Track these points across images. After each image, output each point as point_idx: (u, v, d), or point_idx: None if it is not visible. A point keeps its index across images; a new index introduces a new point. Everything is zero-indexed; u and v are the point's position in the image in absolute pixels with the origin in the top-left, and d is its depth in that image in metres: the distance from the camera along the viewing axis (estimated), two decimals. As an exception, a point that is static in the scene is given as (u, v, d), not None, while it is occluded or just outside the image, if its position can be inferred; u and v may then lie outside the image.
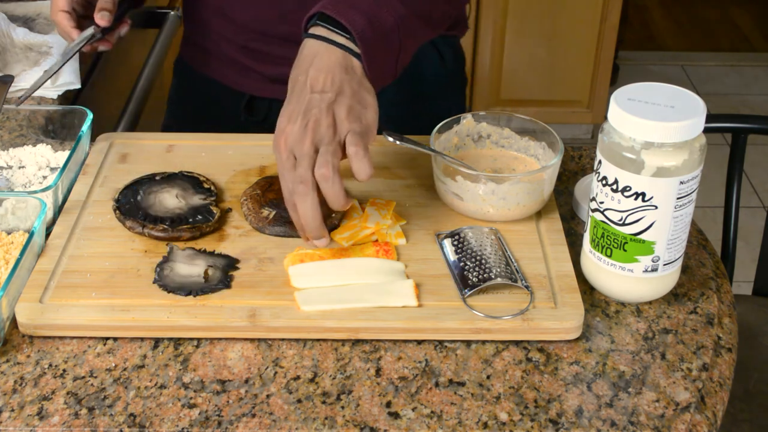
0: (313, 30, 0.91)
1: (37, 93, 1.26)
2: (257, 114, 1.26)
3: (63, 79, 1.28)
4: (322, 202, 0.86)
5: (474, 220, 0.95)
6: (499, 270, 0.87)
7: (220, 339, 0.84)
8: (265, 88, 1.23)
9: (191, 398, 0.78)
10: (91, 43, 1.10)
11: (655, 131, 0.79)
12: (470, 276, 0.87)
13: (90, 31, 1.09)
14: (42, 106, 1.20)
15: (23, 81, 1.26)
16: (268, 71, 1.20)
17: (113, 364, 0.81)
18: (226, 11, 1.19)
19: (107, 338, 0.84)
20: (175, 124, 1.37)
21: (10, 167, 1.06)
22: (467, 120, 1.02)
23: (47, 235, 0.93)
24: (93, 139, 1.09)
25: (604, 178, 0.83)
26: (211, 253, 0.91)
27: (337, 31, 0.90)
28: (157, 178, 1.00)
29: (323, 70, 0.88)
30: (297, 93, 0.88)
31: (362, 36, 0.89)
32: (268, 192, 0.97)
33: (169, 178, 1.00)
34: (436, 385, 0.80)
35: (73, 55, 1.11)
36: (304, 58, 0.90)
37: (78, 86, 1.28)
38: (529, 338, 0.84)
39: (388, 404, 0.78)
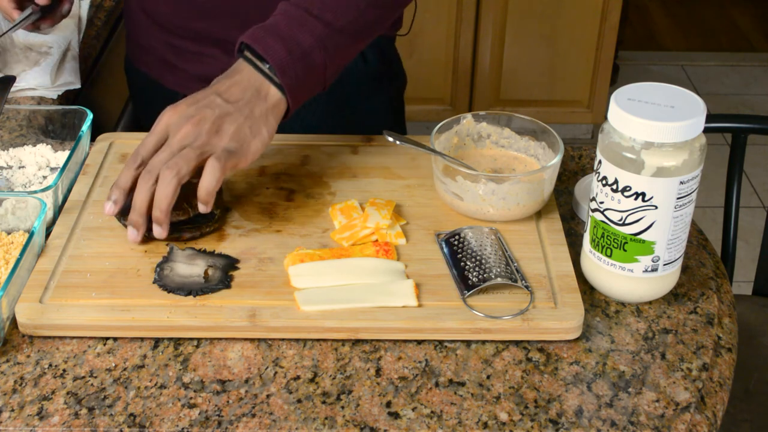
0: (243, 54, 0.94)
1: (37, 93, 1.26)
2: None
3: (63, 79, 1.28)
4: (190, 194, 0.90)
5: (474, 220, 0.95)
6: (499, 270, 0.87)
7: (220, 339, 0.84)
8: (193, 86, 1.21)
9: (191, 398, 0.78)
10: (33, 22, 1.17)
11: (655, 131, 0.79)
12: (470, 276, 0.87)
13: (29, 10, 1.15)
14: (42, 106, 1.20)
15: (23, 81, 1.26)
16: (192, 69, 1.20)
17: (113, 364, 0.81)
18: (145, 5, 1.20)
19: (107, 338, 0.84)
20: (133, 124, 1.40)
21: (10, 167, 1.06)
22: (467, 120, 1.02)
23: (47, 235, 0.93)
24: (93, 139, 1.09)
25: (604, 178, 0.83)
26: (211, 253, 0.91)
27: (259, 60, 0.92)
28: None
29: (239, 85, 0.91)
30: (209, 90, 0.92)
31: (281, 65, 0.91)
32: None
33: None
34: (436, 385, 0.80)
35: (8, 32, 1.17)
36: (230, 71, 0.94)
37: (78, 86, 1.28)
38: (529, 338, 0.84)
39: (388, 404, 0.78)
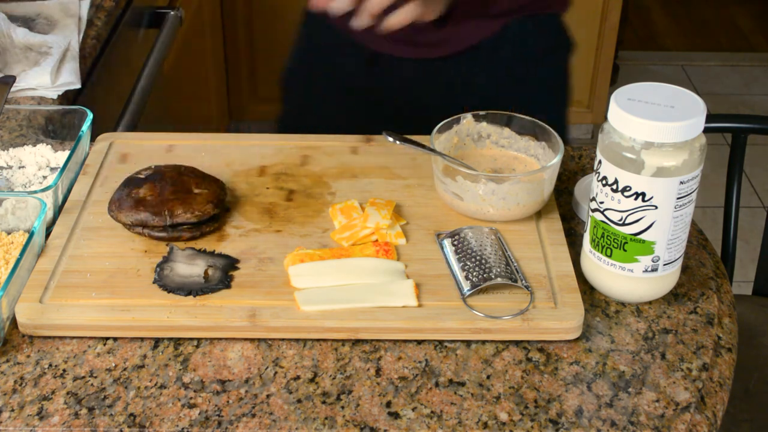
0: None
1: (37, 93, 1.26)
2: (378, 70, 1.28)
3: (63, 78, 1.28)
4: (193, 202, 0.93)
5: (474, 220, 0.95)
6: (499, 270, 0.87)
7: (220, 339, 0.84)
8: (386, 45, 1.24)
9: (191, 398, 0.78)
10: None
11: (655, 131, 0.79)
12: (470, 276, 0.87)
13: None
14: (42, 106, 1.20)
15: (23, 82, 1.26)
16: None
17: (113, 364, 0.81)
18: None
19: (107, 338, 0.84)
20: (298, 69, 1.40)
21: (10, 167, 1.06)
22: (467, 120, 1.02)
23: (47, 235, 0.93)
24: (93, 139, 1.09)
25: (604, 178, 0.83)
26: (211, 253, 0.91)
27: None
28: (157, 178, 1.00)
29: None
30: None
31: None
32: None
33: (169, 178, 0.99)
34: (436, 385, 0.80)
35: None
36: None
37: (78, 86, 1.28)
38: (529, 338, 0.84)
39: (388, 404, 0.78)
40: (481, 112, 1.03)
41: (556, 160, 0.95)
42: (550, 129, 0.99)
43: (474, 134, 1.03)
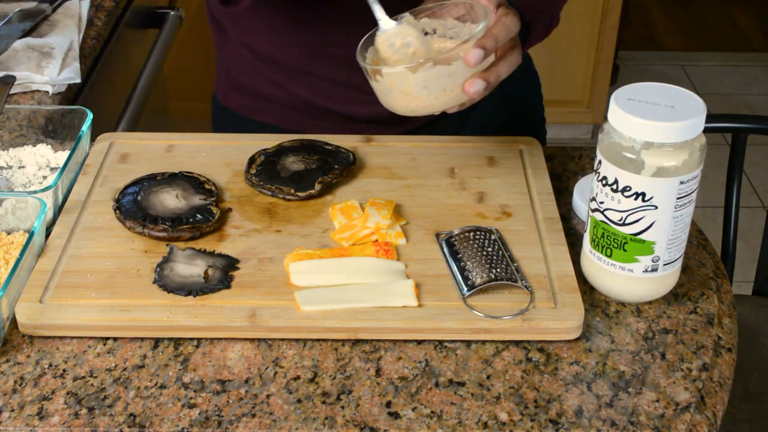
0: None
1: (37, 86, 1.26)
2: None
3: (64, 75, 1.28)
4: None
5: (471, 220, 0.95)
6: (499, 270, 0.87)
7: (220, 339, 0.84)
8: (282, 115, 1.21)
9: (191, 398, 0.78)
10: None
11: (655, 131, 0.79)
12: (470, 276, 0.87)
13: None
14: (42, 106, 1.20)
15: (26, 82, 1.26)
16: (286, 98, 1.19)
17: (113, 364, 0.81)
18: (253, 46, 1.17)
19: (107, 338, 0.84)
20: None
21: (10, 167, 1.06)
22: (407, 19, 0.94)
23: (47, 235, 0.93)
24: (93, 139, 1.09)
25: (604, 178, 0.83)
26: (211, 253, 0.91)
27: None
28: (158, 178, 1.00)
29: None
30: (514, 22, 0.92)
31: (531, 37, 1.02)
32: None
33: (170, 179, 1.00)
34: (436, 385, 0.80)
35: None
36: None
37: (78, 81, 1.28)
38: (529, 338, 0.84)
39: (388, 404, 0.78)
40: (417, 8, 0.95)
41: (478, 30, 0.87)
42: (475, 3, 0.92)
43: (422, 28, 0.95)
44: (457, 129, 1.23)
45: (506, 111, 1.25)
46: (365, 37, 0.93)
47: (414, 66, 0.86)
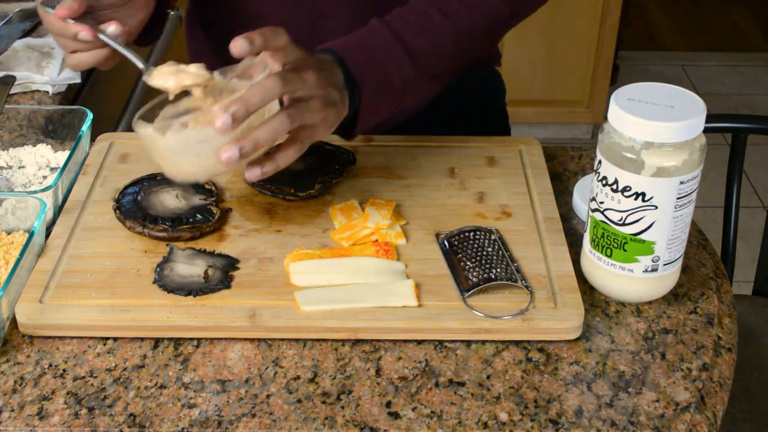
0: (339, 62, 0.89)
1: (37, 86, 1.26)
2: None
3: (64, 74, 1.28)
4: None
5: (471, 220, 0.95)
6: (499, 270, 0.87)
7: (220, 339, 0.84)
8: None
9: (191, 398, 0.78)
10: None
11: (655, 131, 0.79)
12: (470, 276, 0.87)
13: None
14: (42, 106, 1.20)
15: (26, 81, 1.26)
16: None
17: (113, 364, 0.81)
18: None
19: (107, 338, 0.84)
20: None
21: (10, 167, 1.06)
22: (215, 79, 0.85)
23: (47, 235, 0.93)
24: (93, 139, 1.09)
25: (604, 178, 0.83)
26: (211, 253, 0.91)
27: (349, 80, 0.88)
28: (158, 178, 1.00)
29: (336, 89, 0.86)
30: (324, 79, 0.84)
31: (367, 92, 0.89)
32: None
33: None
34: (436, 385, 0.80)
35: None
36: (328, 67, 0.87)
37: (78, 81, 1.28)
38: (529, 338, 0.84)
39: (388, 404, 0.78)
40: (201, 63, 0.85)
41: (236, 93, 0.78)
42: (263, 64, 0.82)
43: (233, 89, 0.85)
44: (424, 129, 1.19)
45: (469, 111, 1.23)
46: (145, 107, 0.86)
47: (161, 128, 0.79)
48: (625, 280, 0.86)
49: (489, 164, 1.05)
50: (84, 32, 0.87)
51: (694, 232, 0.99)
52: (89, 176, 1.03)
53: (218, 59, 1.17)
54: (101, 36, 0.88)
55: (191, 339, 0.84)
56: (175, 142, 0.79)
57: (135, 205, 0.95)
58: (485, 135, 1.14)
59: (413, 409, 0.77)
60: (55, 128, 1.09)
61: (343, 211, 0.96)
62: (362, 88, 0.89)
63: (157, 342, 0.84)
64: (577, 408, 0.78)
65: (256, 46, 0.80)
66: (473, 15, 0.97)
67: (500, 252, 0.90)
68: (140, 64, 0.87)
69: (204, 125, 0.78)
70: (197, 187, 0.99)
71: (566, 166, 1.09)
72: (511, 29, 1.04)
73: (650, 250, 0.84)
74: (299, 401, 0.78)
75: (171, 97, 0.83)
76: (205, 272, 0.88)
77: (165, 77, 0.84)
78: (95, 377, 0.80)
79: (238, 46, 0.78)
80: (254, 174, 0.81)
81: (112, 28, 0.88)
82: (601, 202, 0.84)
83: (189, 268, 0.89)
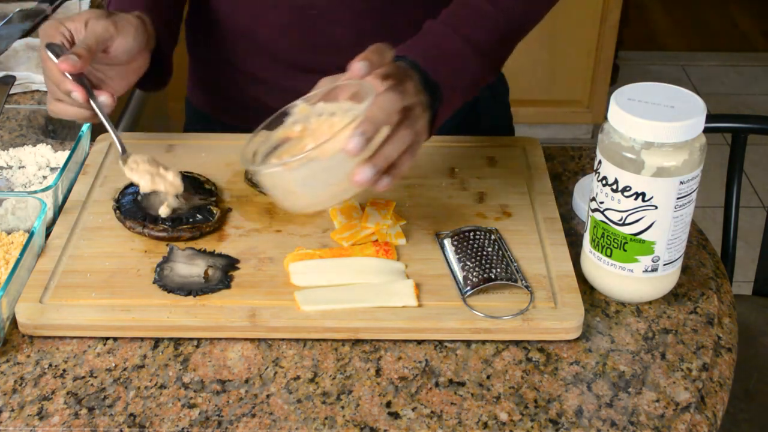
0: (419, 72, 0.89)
1: (37, 87, 1.26)
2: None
3: None
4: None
5: (471, 220, 0.95)
6: (499, 270, 0.87)
7: (220, 339, 0.84)
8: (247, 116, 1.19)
9: (191, 398, 0.78)
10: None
11: (655, 131, 0.79)
12: (470, 276, 0.87)
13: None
14: (42, 106, 1.20)
15: (26, 81, 1.26)
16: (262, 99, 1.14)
17: (113, 364, 0.81)
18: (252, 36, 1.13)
19: (107, 338, 0.84)
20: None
21: (10, 167, 1.06)
22: (300, 107, 0.87)
23: (47, 235, 0.93)
24: (93, 139, 1.09)
25: (604, 178, 0.83)
26: (211, 253, 0.91)
27: (427, 86, 0.88)
28: (157, 178, 1.00)
29: (421, 106, 0.86)
30: (415, 99, 0.85)
31: (445, 94, 0.90)
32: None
33: (169, 178, 1.00)
34: (436, 385, 0.80)
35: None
36: (409, 82, 0.86)
37: None
38: (529, 338, 0.84)
39: (388, 404, 0.78)
40: (311, 93, 0.87)
41: (358, 111, 0.79)
42: (366, 84, 0.82)
43: (319, 113, 0.86)
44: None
45: (473, 112, 1.23)
46: (256, 130, 0.87)
47: (289, 163, 0.79)
48: (625, 280, 0.86)
49: (489, 164, 1.05)
50: (77, 93, 0.91)
51: (694, 232, 0.99)
52: (89, 176, 1.03)
53: (219, 64, 1.17)
54: (92, 103, 0.91)
55: (191, 339, 0.84)
56: (304, 173, 0.79)
57: (135, 205, 0.95)
58: (489, 135, 1.14)
59: (413, 409, 0.77)
60: (55, 128, 1.09)
61: (343, 211, 0.96)
62: (442, 92, 0.90)
63: (157, 342, 0.84)
64: (577, 408, 0.78)
65: (374, 65, 0.82)
66: (521, 2, 0.99)
67: (500, 252, 0.90)
68: (119, 147, 0.93)
69: (332, 152, 0.77)
70: (197, 187, 0.99)
71: (566, 166, 1.09)
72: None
73: (650, 250, 0.84)
74: (299, 401, 0.78)
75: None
76: (205, 272, 0.88)
77: (141, 174, 0.92)
78: (95, 377, 0.80)
79: (358, 68, 0.80)
80: (384, 184, 0.82)
81: (103, 98, 0.92)
82: (601, 202, 0.84)
83: (189, 268, 0.89)
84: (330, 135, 0.78)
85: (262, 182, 0.84)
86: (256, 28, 1.11)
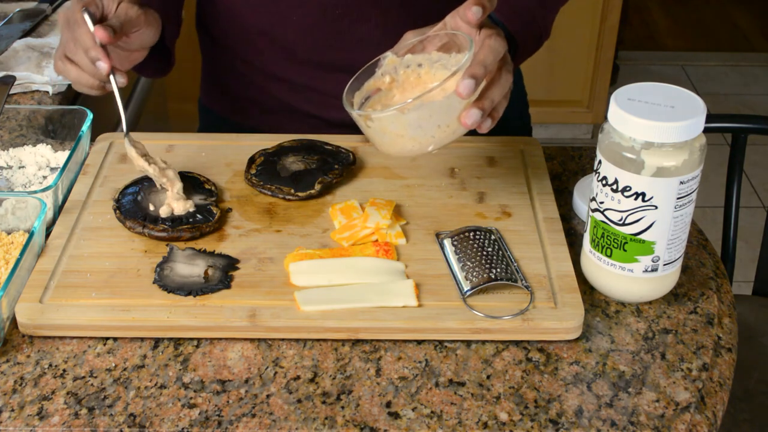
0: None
1: (37, 86, 1.26)
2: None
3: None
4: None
5: (471, 220, 0.95)
6: (499, 270, 0.87)
7: (220, 339, 0.84)
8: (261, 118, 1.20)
9: (191, 398, 0.78)
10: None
11: (655, 131, 0.79)
12: (470, 276, 0.87)
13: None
14: (42, 106, 1.20)
15: (26, 81, 1.26)
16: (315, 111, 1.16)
17: (113, 364, 0.81)
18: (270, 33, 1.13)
19: (107, 338, 0.84)
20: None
21: (10, 167, 1.06)
22: (389, 58, 0.91)
23: (47, 235, 0.93)
24: (93, 139, 1.09)
25: (604, 178, 0.83)
26: (211, 253, 0.91)
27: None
28: (157, 178, 1.00)
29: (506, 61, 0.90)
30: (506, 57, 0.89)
31: (521, 44, 0.99)
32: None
33: (169, 178, 1.00)
34: (436, 385, 0.80)
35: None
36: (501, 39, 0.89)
37: None
38: (529, 338, 0.84)
39: (388, 404, 0.78)
40: (399, 47, 0.92)
41: (464, 61, 0.83)
42: (457, 32, 0.88)
43: (406, 65, 0.92)
44: None
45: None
46: (350, 81, 0.89)
47: (403, 107, 0.82)
48: (625, 280, 0.86)
49: (489, 164, 1.05)
50: (103, 63, 0.92)
51: (694, 232, 0.99)
52: (89, 176, 1.03)
53: (235, 64, 1.17)
54: (111, 78, 0.94)
55: (191, 339, 0.84)
56: (417, 115, 0.83)
57: (135, 205, 0.95)
58: (510, 135, 1.15)
59: (413, 409, 0.77)
60: (55, 128, 1.09)
61: (343, 211, 0.96)
62: (518, 44, 0.99)
63: (157, 342, 0.84)
64: (577, 408, 0.78)
65: (487, 10, 0.87)
66: None
67: (500, 252, 0.90)
68: (125, 126, 0.98)
69: (444, 95, 0.82)
70: (197, 187, 0.99)
71: (566, 166, 1.09)
72: None
73: (650, 250, 0.84)
74: (299, 401, 0.78)
75: None
76: (205, 272, 0.88)
77: (136, 159, 0.96)
78: (95, 377, 0.80)
79: (474, 13, 0.85)
80: (487, 125, 0.86)
81: (120, 78, 0.95)
82: (601, 202, 0.85)
83: (189, 268, 0.89)
84: (444, 78, 0.83)
85: (369, 129, 0.86)
86: (279, 28, 1.11)
